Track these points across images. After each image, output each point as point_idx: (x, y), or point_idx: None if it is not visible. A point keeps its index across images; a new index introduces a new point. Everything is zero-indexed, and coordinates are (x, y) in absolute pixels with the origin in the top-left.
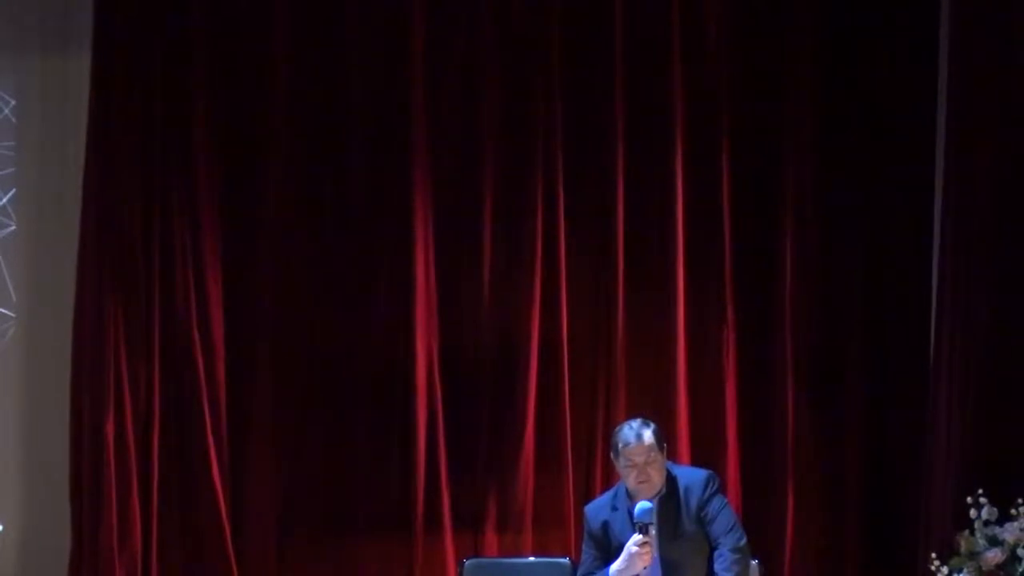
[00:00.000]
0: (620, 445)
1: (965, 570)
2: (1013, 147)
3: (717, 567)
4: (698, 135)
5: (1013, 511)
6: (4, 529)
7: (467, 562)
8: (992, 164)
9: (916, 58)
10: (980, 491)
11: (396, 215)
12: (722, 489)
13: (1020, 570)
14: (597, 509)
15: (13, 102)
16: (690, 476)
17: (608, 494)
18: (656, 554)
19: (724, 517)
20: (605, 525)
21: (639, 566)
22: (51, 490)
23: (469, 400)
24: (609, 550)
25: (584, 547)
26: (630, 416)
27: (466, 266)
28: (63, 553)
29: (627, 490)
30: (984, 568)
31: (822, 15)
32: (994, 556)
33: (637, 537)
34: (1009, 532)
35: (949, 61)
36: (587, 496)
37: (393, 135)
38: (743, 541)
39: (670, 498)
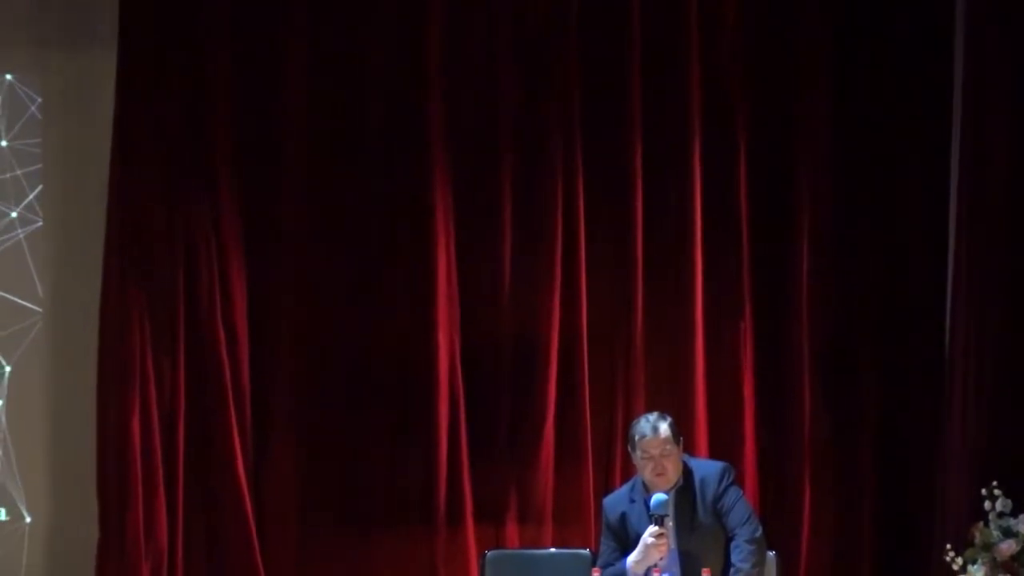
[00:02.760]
0: (637, 438)
1: (980, 561)
2: None
3: (734, 558)
4: (715, 132)
5: None
6: (32, 521)
7: (489, 554)
8: (1007, 161)
9: (931, 56)
10: (995, 483)
11: (416, 212)
12: (737, 481)
13: None
14: (615, 501)
15: (39, 100)
16: (706, 468)
17: (626, 486)
18: (673, 545)
19: (740, 508)
20: (623, 517)
21: (655, 557)
22: (78, 484)
23: (490, 395)
24: (627, 541)
25: (603, 539)
26: (648, 410)
27: (486, 262)
28: (90, 545)
29: (644, 482)
30: (998, 559)
31: (837, 15)
32: (1008, 547)
33: (653, 528)
34: (1023, 524)
35: (964, 60)
36: (606, 489)
37: (412, 132)
38: (759, 532)
39: (686, 490)
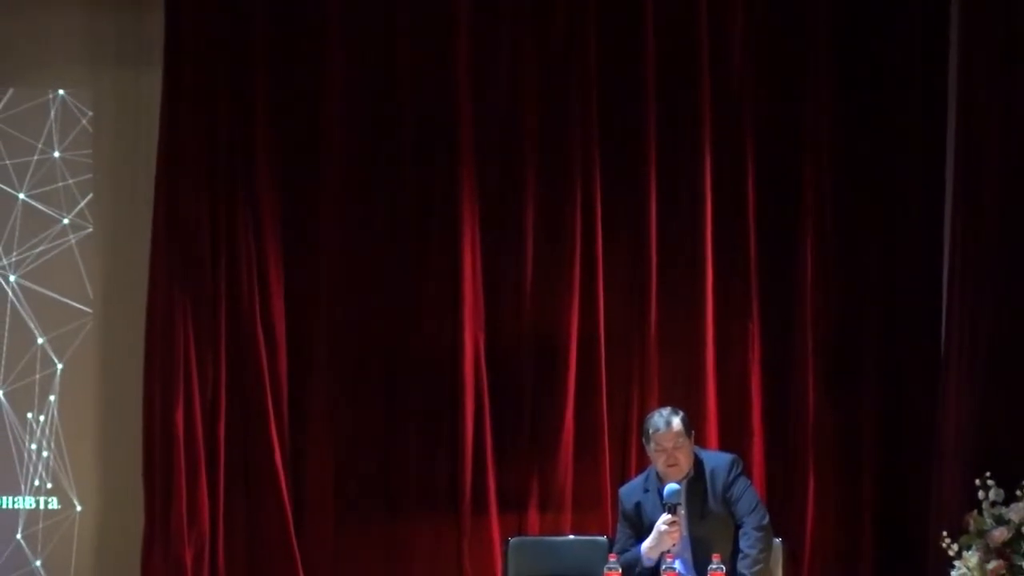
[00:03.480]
0: (651, 431)
1: (974, 547)
2: (1019, 147)
3: (742, 544)
4: (724, 144)
5: (1019, 492)
6: (82, 510)
7: (511, 540)
8: (999, 164)
9: (927, 62)
10: (988, 474)
11: (444, 216)
12: (746, 471)
13: None
14: (630, 491)
15: (90, 113)
16: (716, 459)
17: (640, 477)
18: (685, 532)
19: (748, 497)
20: (638, 506)
21: (668, 543)
22: (125, 474)
23: (513, 390)
24: (642, 529)
25: (619, 526)
26: (662, 405)
27: (510, 264)
28: (137, 532)
29: (657, 473)
30: (991, 545)
31: (838, 25)
32: (1000, 534)
33: (666, 516)
34: (1015, 512)
35: (958, 66)
36: (622, 479)
37: (441, 140)
38: (766, 520)
39: (697, 480)
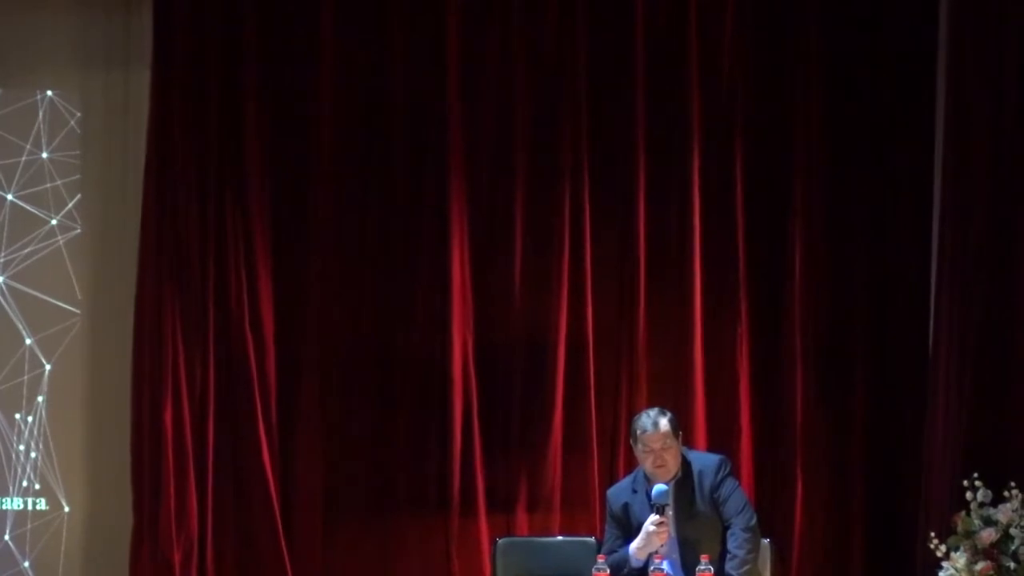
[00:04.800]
0: (638, 432)
1: (962, 548)
2: (1008, 149)
3: (730, 545)
4: (714, 146)
5: (1006, 493)
6: (70, 511)
7: (500, 541)
8: (988, 165)
9: (916, 61)
10: (975, 475)
11: (435, 219)
12: (734, 472)
13: (1012, 548)
14: (618, 492)
15: (79, 114)
16: (703, 460)
17: (628, 478)
18: (673, 533)
19: (735, 498)
20: (626, 507)
21: (656, 544)
22: (113, 475)
23: (501, 391)
24: (630, 529)
25: (607, 527)
26: (650, 405)
27: (499, 267)
28: (125, 533)
29: (645, 474)
30: (979, 546)
31: (829, 33)
32: (988, 535)
33: (654, 517)
34: (1002, 513)
35: (947, 65)
36: (611, 480)
37: (432, 144)
38: (754, 520)
39: (685, 481)
